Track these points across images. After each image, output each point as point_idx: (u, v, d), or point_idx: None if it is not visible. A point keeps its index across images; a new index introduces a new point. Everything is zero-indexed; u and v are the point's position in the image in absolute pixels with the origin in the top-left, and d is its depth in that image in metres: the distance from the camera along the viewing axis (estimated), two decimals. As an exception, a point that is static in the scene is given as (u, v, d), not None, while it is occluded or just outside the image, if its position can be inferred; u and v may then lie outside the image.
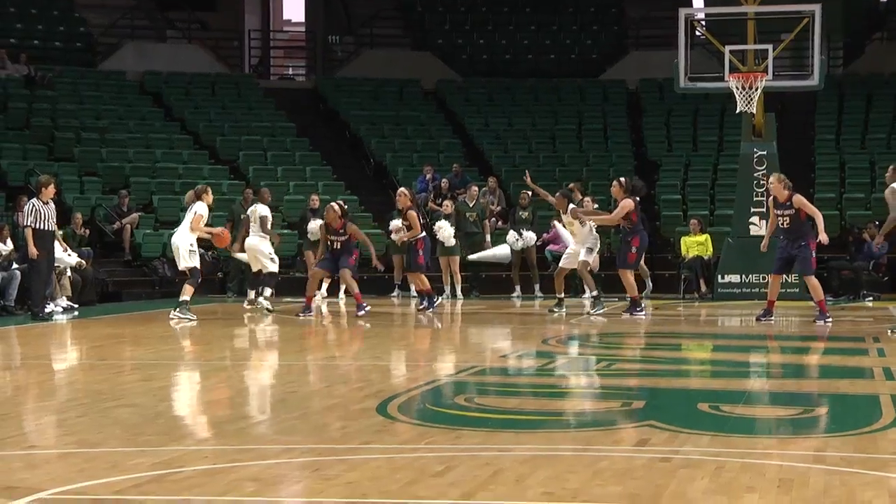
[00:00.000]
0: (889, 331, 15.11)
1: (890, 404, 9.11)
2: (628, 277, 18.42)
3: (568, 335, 15.90)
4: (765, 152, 22.96)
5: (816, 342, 15.11)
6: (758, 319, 17.16)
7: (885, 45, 34.42)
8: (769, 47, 22.22)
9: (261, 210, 19.77)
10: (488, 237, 24.54)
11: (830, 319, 16.87)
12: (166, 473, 6.67)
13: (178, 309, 17.86)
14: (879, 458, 7.09)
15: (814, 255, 17.27)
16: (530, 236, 23.81)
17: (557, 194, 19.22)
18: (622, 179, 18.52)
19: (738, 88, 21.88)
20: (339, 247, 18.83)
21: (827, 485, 6.34)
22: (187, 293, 18.07)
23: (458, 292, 23.50)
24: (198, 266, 18.45)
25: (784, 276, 18.19)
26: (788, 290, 21.36)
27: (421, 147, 30.90)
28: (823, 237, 16.85)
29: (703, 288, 23.36)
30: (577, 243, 18.96)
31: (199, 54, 33.66)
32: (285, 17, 42.98)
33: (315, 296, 19.97)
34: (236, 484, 6.47)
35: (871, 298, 22.19)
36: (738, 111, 22.35)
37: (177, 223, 26.36)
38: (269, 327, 17.32)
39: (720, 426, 8.36)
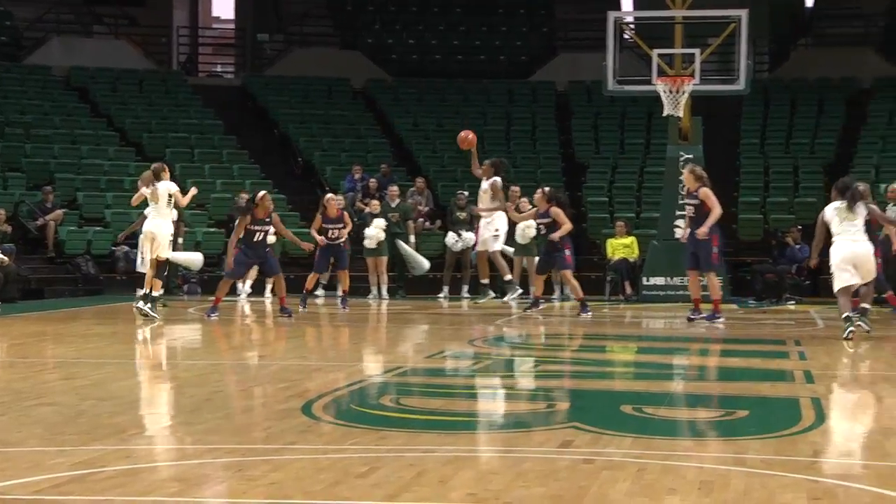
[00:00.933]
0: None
1: (810, 407, 9.22)
2: (571, 279, 19.01)
3: (494, 336, 15.95)
4: (691, 156, 23.13)
5: (737, 345, 15.26)
6: (689, 320, 17.48)
7: (810, 51, 34.86)
8: (696, 51, 22.42)
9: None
10: (412, 238, 24.50)
11: (722, 319, 17.30)
12: (87, 473, 6.61)
13: (146, 304, 17.46)
14: (799, 460, 7.18)
15: (715, 250, 17.59)
16: (469, 237, 23.85)
17: (487, 162, 19.71)
18: (546, 189, 19.01)
19: (665, 92, 22.06)
20: (262, 238, 18.26)
21: (747, 487, 6.40)
22: (158, 287, 17.75)
23: (384, 292, 23.50)
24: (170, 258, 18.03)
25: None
26: (703, 293, 21.58)
27: (349, 146, 30.85)
28: (702, 230, 17.21)
29: (629, 290, 23.52)
30: (485, 225, 19.62)
31: (126, 50, 33.39)
32: (214, 13, 42.79)
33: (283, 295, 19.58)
34: (159, 484, 6.43)
35: (793, 302, 22.44)
36: (664, 114, 22.54)
37: (101, 220, 26.28)
38: (194, 327, 17.21)
39: (643, 428, 8.42)
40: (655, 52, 22.42)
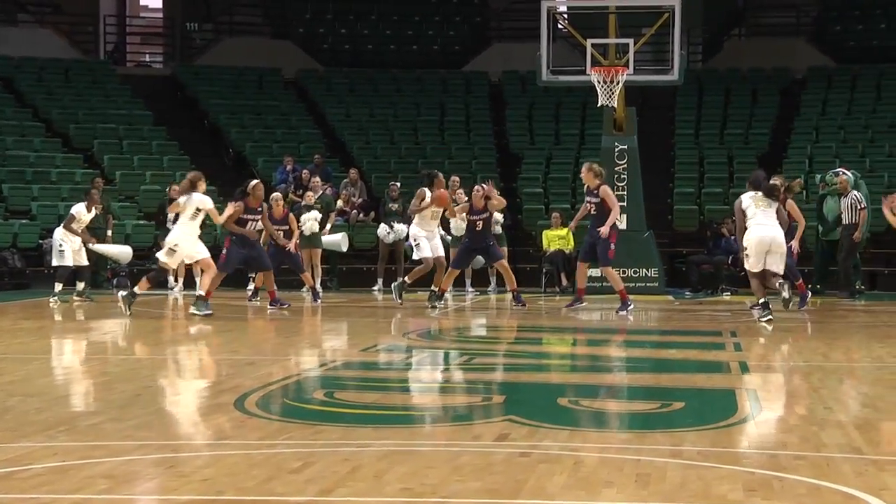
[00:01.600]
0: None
1: (746, 398, 9.30)
2: (508, 269, 19.16)
3: (429, 329, 15.95)
4: (626, 146, 23.25)
5: (673, 336, 15.36)
6: (568, 307, 18.54)
7: (744, 42, 35.16)
8: (630, 41, 22.51)
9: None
10: (328, 226, 24.29)
11: (632, 306, 17.69)
12: (14, 471, 6.54)
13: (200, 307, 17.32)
14: (735, 451, 7.24)
15: (612, 247, 18.03)
16: (401, 229, 23.81)
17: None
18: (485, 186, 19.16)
19: (599, 82, 22.14)
20: (253, 229, 18.82)
21: (684, 479, 6.44)
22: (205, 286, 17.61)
23: (318, 286, 23.41)
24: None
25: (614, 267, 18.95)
26: (638, 284, 21.74)
27: (281, 137, 30.73)
28: (604, 229, 17.73)
29: (564, 282, 23.60)
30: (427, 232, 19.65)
31: (52, 39, 33.03)
32: (142, 2, 42.44)
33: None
34: (88, 481, 6.37)
35: (728, 293, 22.61)
36: (599, 105, 22.61)
37: (28, 213, 25.99)
38: (126, 321, 17.06)
39: (579, 421, 8.46)
40: (589, 42, 22.50)
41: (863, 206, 22.02)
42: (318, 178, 25.11)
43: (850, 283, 21.91)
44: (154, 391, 9.87)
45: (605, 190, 17.93)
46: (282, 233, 20.05)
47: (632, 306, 17.69)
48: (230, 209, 18.37)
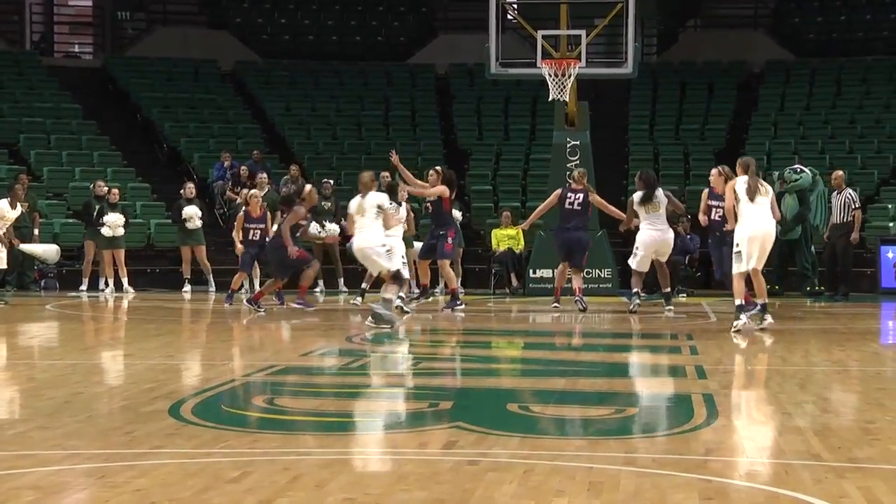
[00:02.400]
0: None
1: (702, 403, 9.34)
2: (447, 269, 19.15)
3: (373, 332, 15.92)
4: (578, 142, 23.34)
5: (628, 339, 15.43)
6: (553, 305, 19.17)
7: (700, 33, 35.37)
8: (582, 33, 22.57)
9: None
10: (274, 227, 24.22)
11: (462, 305, 18.68)
12: (-64, 483, 6.48)
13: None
14: (691, 458, 7.27)
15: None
16: (333, 228, 23.79)
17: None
18: (438, 168, 19.35)
19: (550, 75, 22.20)
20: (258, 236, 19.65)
21: (638, 487, 6.47)
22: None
23: (257, 286, 23.34)
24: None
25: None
26: (591, 286, 21.84)
27: (218, 132, 30.63)
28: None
29: (515, 283, 23.66)
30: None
31: (-25, 29, 32.81)
32: (71, -11, 42.08)
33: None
34: (14, 493, 6.32)
35: (684, 294, 22.72)
36: (550, 99, 22.67)
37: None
38: (52, 324, 16.96)
39: (530, 427, 8.48)
40: (540, 34, 22.56)
41: (857, 205, 22.14)
42: (264, 175, 25.01)
43: (848, 286, 22.03)
44: (85, 398, 9.81)
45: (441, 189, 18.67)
46: (259, 231, 19.86)
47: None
48: (294, 215, 18.55)
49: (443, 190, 18.72)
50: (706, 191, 17.48)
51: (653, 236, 17.82)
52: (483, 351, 14.53)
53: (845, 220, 22.00)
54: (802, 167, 23.08)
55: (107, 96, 32.34)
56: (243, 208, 20.42)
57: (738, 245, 15.18)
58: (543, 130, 28.64)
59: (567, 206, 18.80)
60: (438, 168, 19.41)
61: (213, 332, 16.28)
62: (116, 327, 17.69)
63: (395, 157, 19.81)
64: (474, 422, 8.43)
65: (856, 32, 33.53)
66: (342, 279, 24.08)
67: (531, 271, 23.22)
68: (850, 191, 22.25)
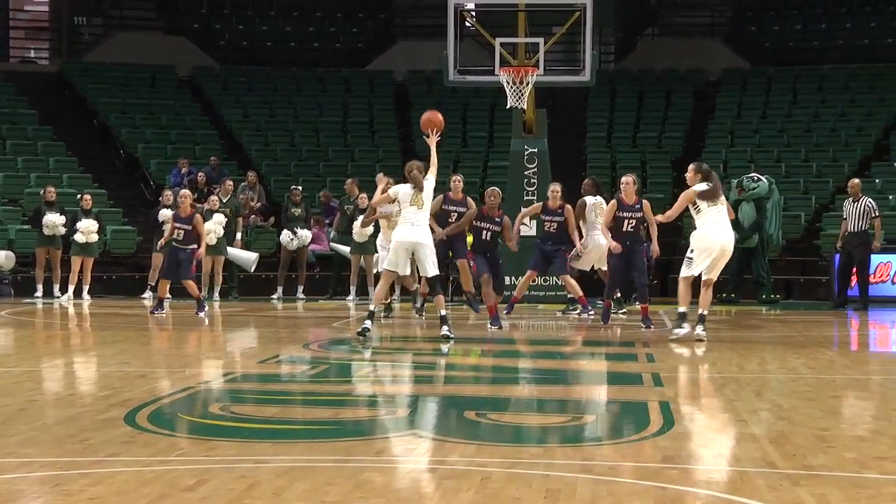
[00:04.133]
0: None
1: (658, 411, 9.37)
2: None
3: (330, 339, 15.91)
4: (535, 149, 23.38)
5: (585, 347, 15.46)
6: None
7: (657, 42, 35.51)
8: (540, 41, 22.63)
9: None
10: (239, 235, 24.28)
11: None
12: None
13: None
14: (647, 466, 7.30)
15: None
16: (305, 235, 23.80)
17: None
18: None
19: (508, 83, 22.23)
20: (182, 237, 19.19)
21: (594, 495, 6.49)
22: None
23: (216, 294, 23.31)
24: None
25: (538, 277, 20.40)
26: (548, 293, 21.88)
27: (175, 138, 30.53)
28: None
29: (473, 291, 23.61)
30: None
31: (-70, 33, 32.58)
32: (27, -6, 41.88)
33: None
34: (-32, 502, 6.29)
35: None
36: (508, 107, 22.70)
37: None
38: (6, 331, 16.85)
39: (487, 435, 8.48)
40: (498, 41, 22.60)
41: (876, 213, 22.11)
42: (229, 181, 24.96)
43: (867, 299, 22.04)
44: (39, 405, 9.75)
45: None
46: (182, 233, 19.59)
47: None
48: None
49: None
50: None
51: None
52: (440, 358, 14.52)
53: (862, 228, 21.96)
54: (759, 175, 23.19)
55: (63, 102, 32.17)
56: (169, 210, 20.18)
57: (692, 250, 15.11)
58: (501, 138, 28.68)
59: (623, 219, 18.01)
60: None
61: (170, 340, 16.21)
62: (72, 334, 17.59)
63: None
64: (432, 429, 8.43)
65: (811, 41, 33.75)
66: (302, 286, 24.08)
67: (489, 278, 23.19)
68: (869, 199, 22.17)
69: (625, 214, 17.25)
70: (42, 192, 24.00)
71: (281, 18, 35.27)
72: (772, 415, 9.36)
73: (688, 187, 15.32)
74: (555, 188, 19.25)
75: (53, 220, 23.14)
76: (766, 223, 22.74)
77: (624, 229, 17.29)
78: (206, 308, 19.39)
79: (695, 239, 15.13)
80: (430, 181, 15.40)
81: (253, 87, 33.17)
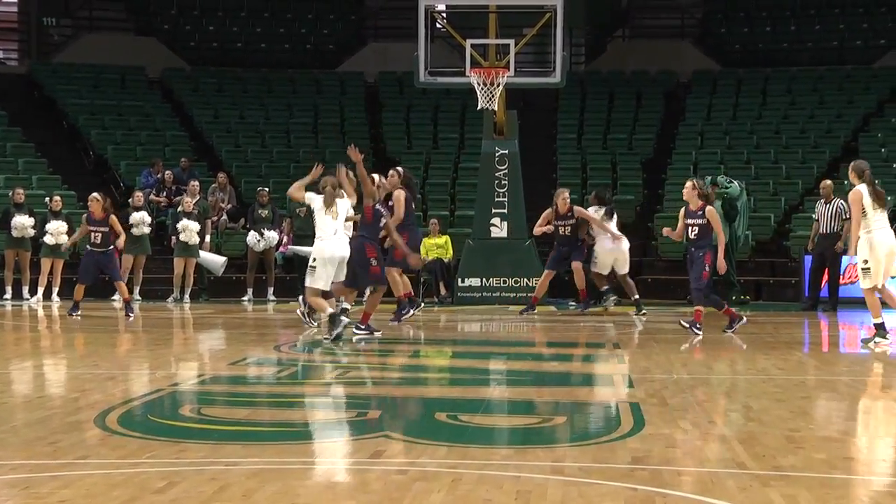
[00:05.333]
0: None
1: (629, 412, 9.40)
2: (394, 276, 18.74)
3: (301, 341, 15.89)
4: (506, 151, 23.42)
5: (557, 348, 15.49)
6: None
7: (627, 43, 35.61)
8: (511, 42, 22.66)
9: None
10: (207, 237, 24.24)
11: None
12: None
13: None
14: (618, 467, 7.32)
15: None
16: (272, 236, 23.76)
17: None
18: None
19: (479, 84, 22.25)
20: (99, 240, 19.20)
21: (565, 496, 6.51)
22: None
23: (187, 296, 23.28)
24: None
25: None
26: (520, 294, 21.91)
27: (145, 139, 30.44)
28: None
29: (443, 291, 23.68)
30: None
31: None
32: (-5, -5, 41.67)
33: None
34: (-64, 505, 6.26)
35: (614, 300, 22.72)
36: (479, 108, 22.71)
37: None
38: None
39: (458, 436, 8.49)
40: (469, 43, 22.63)
41: (848, 215, 22.09)
42: (196, 183, 24.91)
43: (836, 300, 22.09)
44: (8, 408, 9.71)
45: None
46: (100, 235, 19.54)
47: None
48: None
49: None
50: (683, 209, 17.10)
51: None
52: (411, 360, 14.53)
53: (834, 230, 22.01)
54: (731, 178, 23.22)
55: (32, 103, 32.04)
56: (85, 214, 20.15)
57: (865, 260, 14.55)
58: (472, 139, 28.70)
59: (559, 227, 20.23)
60: (399, 169, 18.87)
61: (140, 342, 16.17)
62: (41, 336, 17.52)
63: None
64: (402, 431, 8.44)
65: (781, 43, 33.87)
66: (272, 288, 24.05)
67: (459, 280, 23.24)
68: (841, 201, 22.19)
69: (689, 221, 16.97)
70: (11, 193, 23.91)
71: (251, 20, 35.21)
72: (741, 416, 9.40)
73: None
74: (564, 194, 20.48)
75: (22, 222, 23.06)
76: (736, 223, 22.78)
77: (689, 236, 17.14)
78: (135, 311, 19.36)
79: (866, 247, 14.58)
80: (344, 202, 15.59)
81: (223, 88, 33.10)
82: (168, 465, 7.29)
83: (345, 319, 15.07)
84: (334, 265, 15.34)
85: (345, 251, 15.39)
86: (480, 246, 23.13)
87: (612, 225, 20.58)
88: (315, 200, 15.48)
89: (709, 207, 16.74)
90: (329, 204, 15.36)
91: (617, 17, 36.89)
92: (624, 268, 20.71)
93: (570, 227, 20.44)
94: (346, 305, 15.74)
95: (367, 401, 10.47)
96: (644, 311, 20.07)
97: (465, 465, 7.32)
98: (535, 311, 20.30)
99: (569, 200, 20.44)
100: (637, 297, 20.52)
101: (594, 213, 20.58)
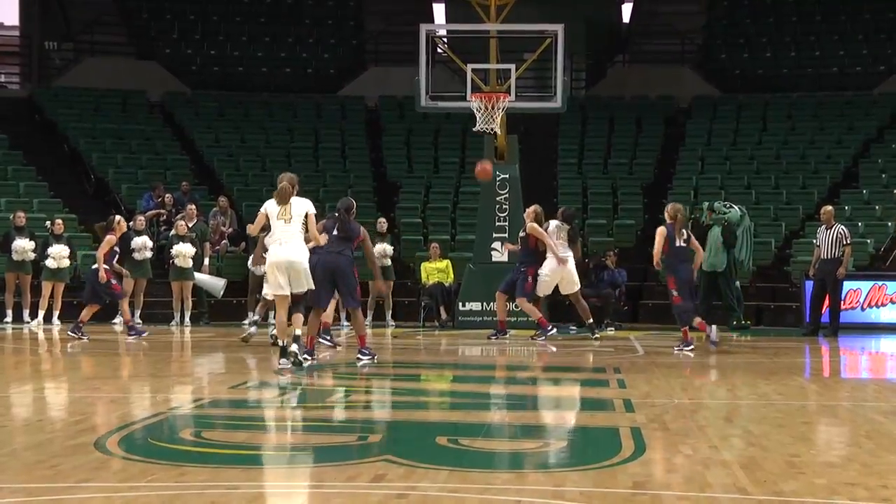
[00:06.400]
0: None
1: (630, 437, 9.38)
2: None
3: (302, 365, 15.85)
4: (507, 175, 23.43)
5: (556, 373, 15.47)
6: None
7: (627, 68, 35.66)
8: (512, 67, 22.70)
9: None
10: (206, 260, 24.23)
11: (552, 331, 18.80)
12: None
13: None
14: (619, 492, 7.30)
15: (529, 279, 19.98)
16: None
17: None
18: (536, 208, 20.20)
19: (480, 109, 22.26)
20: None
21: (566, 520, 6.49)
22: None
23: (187, 319, 23.25)
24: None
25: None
26: (520, 318, 21.89)
27: (146, 163, 30.45)
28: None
29: (444, 316, 23.67)
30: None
31: None
32: (-3, 19, 41.85)
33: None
34: (-64, 529, 6.24)
35: (613, 328, 22.78)
36: (475, 129, 22.67)
37: None
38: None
39: (459, 460, 8.47)
40: (470, 67, 22.66)
41: (848, 240, 22.15)
42: (192, 206, 24.92)
43: (837, 325, 22.06)
44: (8, 431, 9.70)
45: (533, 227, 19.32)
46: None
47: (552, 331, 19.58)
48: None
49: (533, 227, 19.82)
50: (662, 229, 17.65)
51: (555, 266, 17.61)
52: (412, 384, 14.51)
53: (835, 255, 22.00)
54: (731, 204, 23.20)
55: (34, 126, 32.08)
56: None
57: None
58: (473, 163, 28.64)
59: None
60: (536, 207, 20.23)
61: (140, 365, 16.15)
62: (42, 360, 17.51)
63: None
64: (403, 455, 8.42)
65: (781, 69, 33.93)
66: (273, 312, 23.99)
67: (460, 304, 23.24)
68: (842, 227, 22.22)
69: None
70: (12, 216, 23.92)
71: (252, 44, 35.27)
72: (743, 441, 9.38)
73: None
74: (528, 209, 20.45)
75: (23, 246, 23.07)
76: (737, 248, 22.76)
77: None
78: (140, 333, 19.57)
79: None
80: (302, 203, 14.66)
81: (224, 112, 33.14)
82: (168, 488, 7.27)
83: (295, 348, 14.57)
84: (283, 271, 14.42)
85: (295, 256, 14.40)
86: (481, 270, 23.12)
87: (563, 245, 20.12)
88: (268, 207, 14.72)
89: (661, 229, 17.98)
90: (282, 201, 14.55)
91: (617, 42, 36.97)
92: (571, 287, 20.37)
93: (520, 241, 20.56)
94: (297, 332, 15.07)
95: (368, 424, 10.45)
96: (598, 336, 20.09)
97: (466, 489, 7.31)
98: (507, 335, 20.35)
99: (530, 215, 20.22)
100: (591, 320, 20.44)
101: (555, 227, 20.21)
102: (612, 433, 9.72)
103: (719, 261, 22.23)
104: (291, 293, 14.58)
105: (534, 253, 20.15)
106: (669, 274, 17.96)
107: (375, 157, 31.62)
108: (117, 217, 20.36)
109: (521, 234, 20.52)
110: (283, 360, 14.35)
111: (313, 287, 14.76)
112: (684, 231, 18.22)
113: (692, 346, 17.66)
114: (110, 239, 19.69)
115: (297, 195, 14.86)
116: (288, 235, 14.50)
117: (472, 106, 22.37)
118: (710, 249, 21.99)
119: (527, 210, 20.45)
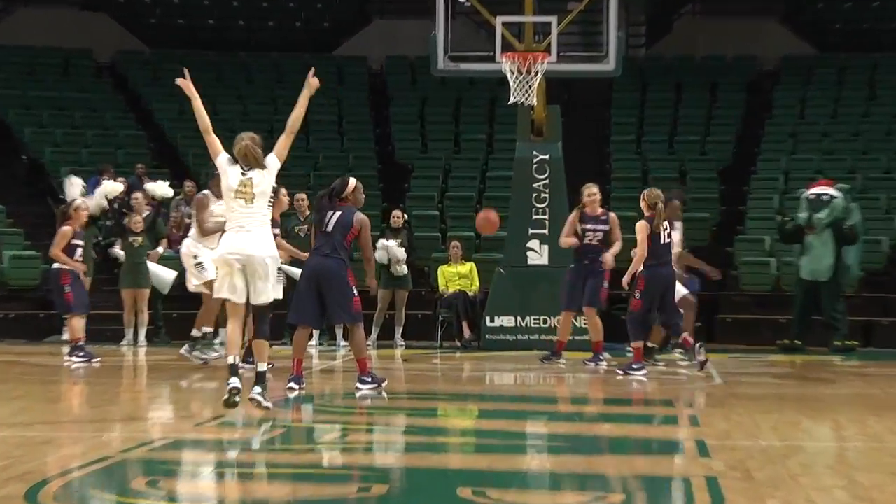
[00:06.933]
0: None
1: (705, 489, 9.32)
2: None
3: (289, 396, 15.84)
4: (547, 156, 23.38)
5: (612, 406, 15.41)
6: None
7: (698, 21, 35.58)
8: (553, 20, 22.62)
9: None
10: (160, 249, 24.12)
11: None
12: None
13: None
14: (692, 560, 7.24)
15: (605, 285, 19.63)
16: None
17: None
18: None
19: (513, 73, 22.19)
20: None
21: None
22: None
23: (142, 337, 23.20)
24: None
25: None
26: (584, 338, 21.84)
27: (93, 140, 30.53)
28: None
29: (467, 333, 23.62)
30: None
31: None
32: None
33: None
34: None
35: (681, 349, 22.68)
36: (510, 102, 22.62)
37: None
38: None
39: (487, 519, 8.44)
40: (500, 20, 22.58)
41: None
42: (139, 195, 24.83)
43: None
44: (-85, 480, 9.67)
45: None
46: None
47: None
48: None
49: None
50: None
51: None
52: (427, 420, 14.49)
53: None
54: (829, 191, 23.04)
55: (-48, 94, 32.22)
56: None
57: None
58: (503, 141, 28.70)
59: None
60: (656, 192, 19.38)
61: (84, 396, 16.15)
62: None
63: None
64: (416, 511, 8.38)
65: (892, 22, 33.83)
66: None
67: (488, 319, 23.15)
68: None
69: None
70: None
71: (227, -8, 35.38)
72: (848, 494, 9.32)
73: None
74: (591, 189, 19.86)
75: None
76: (845, 252, 22.66)
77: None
78: (92, 361, 19.55)
79: None
80: (270, 160, 13.50)
81: (192, 75, 33.11)
82: (117, 554, 7.23)
83: (259, 389, 14.15)
84: (237, 270, 13.24)
85: (257, 249, 13.19)
86: (514, 276, 23.07)
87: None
88: (228, 168, 13.57)
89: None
90: (250, 167, 13.39)
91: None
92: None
93: (599, 235, 19.74)
94: (262, 367, 14.61)
95: (372, 471, 10.41)
96: (661, 361, 20.04)
97: (497, 556, 7.25)
98: (562, 358, 20.11)
99: (599, 198, 19.81)
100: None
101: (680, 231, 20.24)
102: (683, 484, 9.66)
103: (824, 267, 22.14)
104: (249, 302, 13.55)
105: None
106: (642, 275, 18.07)
107: (381, 134, 31.65)
108: (77, 201, 19.99)
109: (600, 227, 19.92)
110: (257, 388, 13.79)
111: (280, 297, 14.56)
112: (667, 224, 18.24)
113: (644, 370, 17.78)
114: (65, 231, 19.14)
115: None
116: (249, 220, 13.32)
117: (503, 69, 22.30)
118: (810, 253, 21.89)
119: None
